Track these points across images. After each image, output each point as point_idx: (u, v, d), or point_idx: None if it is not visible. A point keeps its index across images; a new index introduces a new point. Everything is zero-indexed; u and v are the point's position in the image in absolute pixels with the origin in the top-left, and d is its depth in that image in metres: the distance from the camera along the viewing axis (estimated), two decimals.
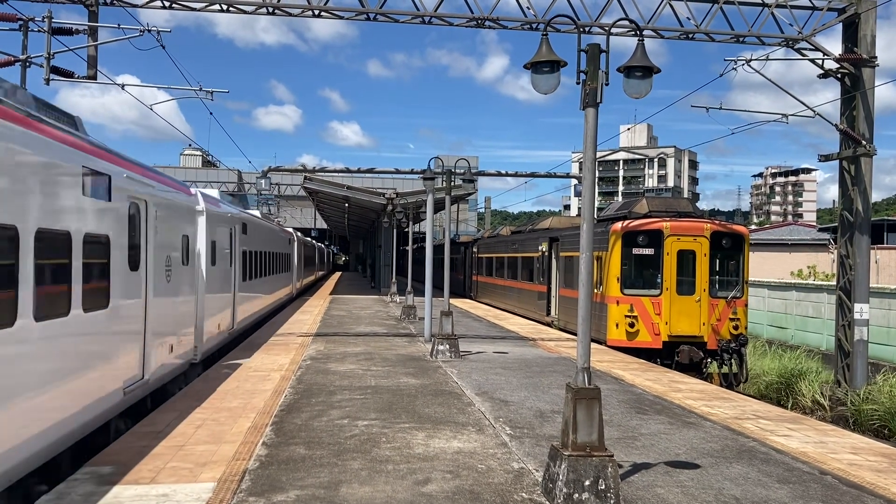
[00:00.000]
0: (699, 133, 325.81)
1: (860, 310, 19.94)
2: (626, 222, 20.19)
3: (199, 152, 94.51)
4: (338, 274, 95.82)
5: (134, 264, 10.52)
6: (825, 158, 21.40)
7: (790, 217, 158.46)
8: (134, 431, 9.65)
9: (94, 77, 18.52)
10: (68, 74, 18.29)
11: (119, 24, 18.27)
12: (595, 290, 20.50)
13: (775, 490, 7.78)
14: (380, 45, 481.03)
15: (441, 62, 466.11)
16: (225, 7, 18.46)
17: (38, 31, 17.58)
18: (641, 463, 8.65)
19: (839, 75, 20.55)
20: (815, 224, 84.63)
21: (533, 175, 38.98)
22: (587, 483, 6.92)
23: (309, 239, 56.63)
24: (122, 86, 20.40)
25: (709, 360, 19.63)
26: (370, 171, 38.72)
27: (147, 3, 18.28)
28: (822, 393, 19.99)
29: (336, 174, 46.18)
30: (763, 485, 7.95)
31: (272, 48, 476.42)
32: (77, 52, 18.24)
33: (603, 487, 6.93)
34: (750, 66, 20.21)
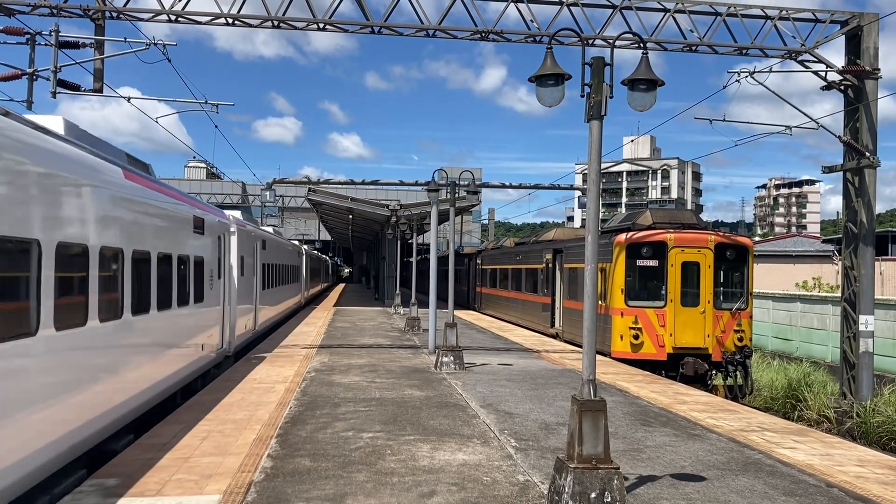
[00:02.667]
0: (700, 145, 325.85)
1: (865, 321, 19.89)
2: (631, 234, 20.19)
3: (203, 164, 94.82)
4: (341, 286, 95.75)
5: (218, 274, 16.40)
6: (829, 170, 21.41)
7: (794, 228, 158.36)
8: (139, 443, 9.65)
9: (100, 90, 18.62)
10: (75, 87, 18.40)
11: (126, 38, 18.39)
12: (599, 302, 20.47)
13: (782, 503, 7.76)
14: (378, 58, 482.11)
15: (439, 74, 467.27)
16: (230, 21, 18.59)
17: (45, 44, 17.70)
18: (647, 475, 8.63)
19: (842, 87, 20.59)
20: (818, 235, 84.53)
21: (537, 187, 39.03)
22: (593, 496, 6.91)
23: (315, 252, 58.24)
24: (129, 98, 20.51)
25: (713, 371, 19.58)
26: (374, 182, 38.76)
27: (152, 17, 18.39)
28: (827, 405, 19.91)
29: (340, 186, 46.30)
30: (769, 497, 7.93)
31: (271, 61, 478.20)
32: (84, 65, 18.36)
33: (609, 500, 6.92)
34: (753, 78, 20.27)
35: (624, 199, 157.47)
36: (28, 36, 17.48)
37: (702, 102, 65.44)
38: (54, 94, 17.84)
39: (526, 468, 8.82)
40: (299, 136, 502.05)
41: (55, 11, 17.87)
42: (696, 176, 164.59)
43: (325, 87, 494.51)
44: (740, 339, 19.62)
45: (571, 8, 19.29)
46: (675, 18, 19.66)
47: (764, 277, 44.28)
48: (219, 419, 11.23)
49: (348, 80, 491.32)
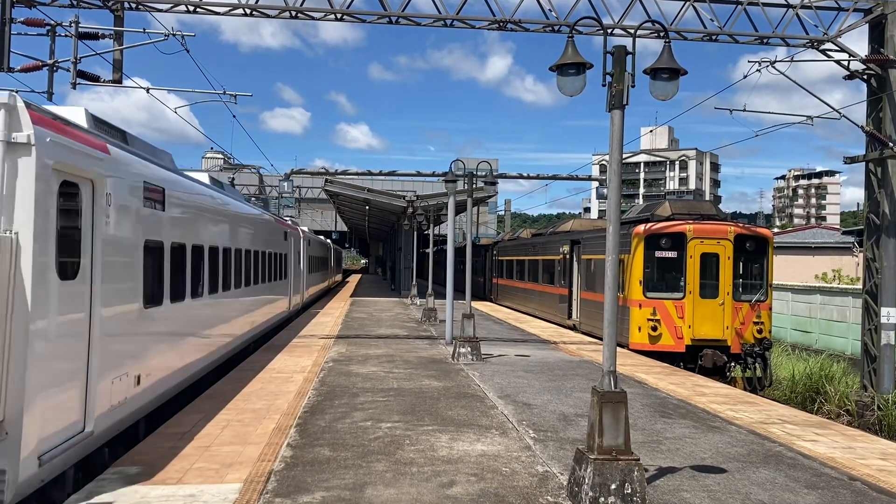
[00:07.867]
0: (716, 135, 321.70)
1: (887, 314, 19.66)
2: (649, 225, 20.07)
3: (220, 155, 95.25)
4: (357, 276, 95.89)
5: (294, 264, 27.35)
6: (851, 160, 21.14)
7: (813, 220, 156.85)
8: (160, 432, 9.73)
9: (119, 81, 18.70)
10: (94, 78, 18.49)
11: (145, 29, 18.45)
12: (617, 294, 20.35)
13: (804, 496, 7.70)
14: (383, 48, 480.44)
15: (443, 63, 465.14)
16: (248, 11, 18.58)
17: (65, 35, 17.79)
18: (667, 467, 8.60)
19: (865, 76, 20.29)
20: (838, 227, 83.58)
21: (555, 177, 38.88)
22: (613, 487, 6.89)
23: (338, 247, 70.08)
24: (147, 89, 20.59)
25: (732, 364, 19.46)
26: (391, 173, 38.79)
27: (171, 7, 18.43)
28: (848, 398, 19.74)
29: (356, 177, 46.36)
30: (791, 490, 7.87)
31: (278, 52, 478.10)
32: (102, 56, 18.44)
33: (629, 491, 6.90)
34: (774, 67, 20.03)
35: (641, 190, 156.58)
36: (48, 27, 17.57)
37: (709, 92, 65.33)
38: (74, 86, 17.95)
39: (545, 459, 8.81)
40: (308, 127, 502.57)
41: (75, 3, 17.95)
42: (715, 167, 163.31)
43: (332, 78, 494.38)
44: (759, 331, 19.48)
45: None
46: (695, 7, 19.44)
47: (783, 269, 43.88)
48: (238, 408, 11.30)
49: (353, 71, 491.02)
